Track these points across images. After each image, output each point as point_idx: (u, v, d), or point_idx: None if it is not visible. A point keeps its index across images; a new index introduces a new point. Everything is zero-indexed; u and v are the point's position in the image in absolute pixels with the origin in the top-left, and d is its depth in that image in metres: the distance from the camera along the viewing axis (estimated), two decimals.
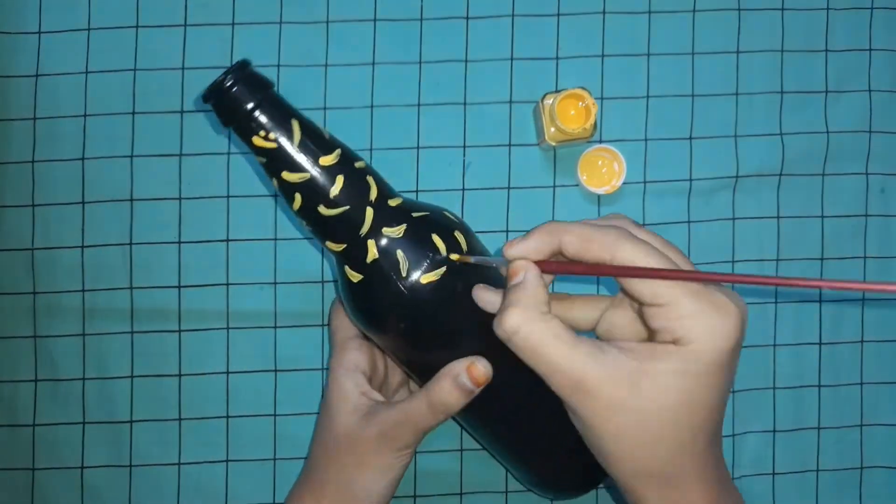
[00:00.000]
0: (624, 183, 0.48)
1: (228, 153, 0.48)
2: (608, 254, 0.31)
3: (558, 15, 0.49)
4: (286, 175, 0.35)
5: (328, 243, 0.37)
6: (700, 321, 0.30)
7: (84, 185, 0.48)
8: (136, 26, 0.48)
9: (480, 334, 0.36)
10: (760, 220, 0.49)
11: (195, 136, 0.48)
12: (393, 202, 0.38)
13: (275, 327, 0.48)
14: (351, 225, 0.36)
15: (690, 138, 0.49)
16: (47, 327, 0.48)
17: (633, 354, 0.31)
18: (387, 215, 0.37)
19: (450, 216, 0.39)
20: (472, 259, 0.37)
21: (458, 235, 0.38)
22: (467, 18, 0.48)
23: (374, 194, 0.37)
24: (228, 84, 0.34)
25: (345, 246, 0.37)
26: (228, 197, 0.48)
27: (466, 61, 0.48)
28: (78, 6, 0.48)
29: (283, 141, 0.35)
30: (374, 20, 0.48)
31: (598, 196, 0.49)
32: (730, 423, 0.49)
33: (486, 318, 0.34)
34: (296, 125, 0.35)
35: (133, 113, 0.48)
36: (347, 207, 0.36)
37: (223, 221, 0.48)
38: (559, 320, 0.32)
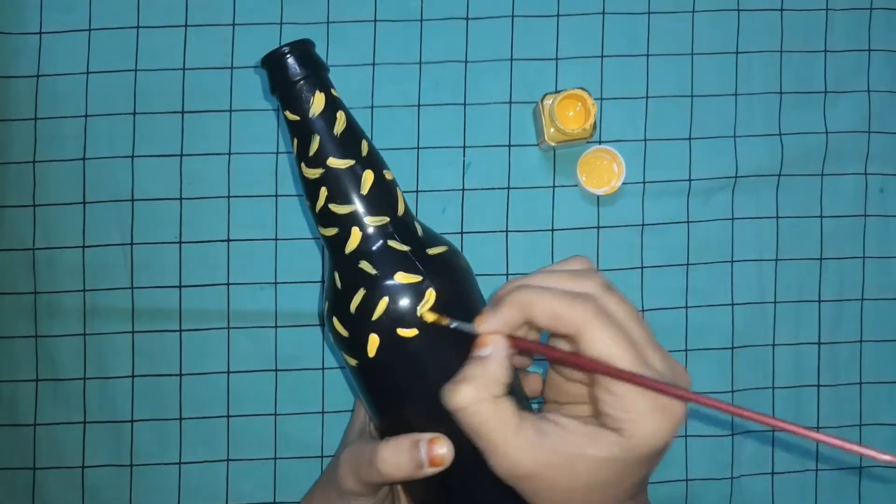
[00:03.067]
0: (623, 183, 0.48)
1: (229, 153, 0.48)
2: (575, 332, 0.31)
3: (558, 16, 0.49)
4: (332, 161, 0.36)
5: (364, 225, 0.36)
6: (647, 421, 0.31)
7: (85, 185, 0.48)
8: (137, 27, 0.48)
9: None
10: (759, 220, 0.49)
11: (196, 137, 0.48)
12: (414, 226, 0.37)
13: (275, 327, 0.48)
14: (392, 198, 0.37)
15: (690, 138, 0.49)
16: (48, 327, 0.48)
17: (574, 438, 0.31)
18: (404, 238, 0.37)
19: (459, 260, 0.38)
20: (446, 323, 0.35)
21: (433, 295, 0.36)
22: (467, 19, 0.48)
23: (401, 208, 0.37)
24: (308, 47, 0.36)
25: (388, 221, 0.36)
26: (229, 197, 0.48)
27: (466, 62, 0.48)
28: (79, 7, 0.48)
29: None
30: (375, 21, 0.48)
31: (598, 196, 0.49)
32: (729, 423, 0.49)
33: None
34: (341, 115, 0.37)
35: (134, 113, 0.48)
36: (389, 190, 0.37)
37: (224, 221, 0.48)
38: (509, 402, 0.32)
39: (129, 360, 0.48)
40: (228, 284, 0.48)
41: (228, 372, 0.48)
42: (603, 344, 0.31)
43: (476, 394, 0.31)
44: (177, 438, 0.48)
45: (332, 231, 0.36)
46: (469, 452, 0.34)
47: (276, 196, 0.48)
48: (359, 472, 0.37)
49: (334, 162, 0.35)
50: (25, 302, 0.48)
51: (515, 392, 0.37)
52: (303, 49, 0.36)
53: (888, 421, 0.50)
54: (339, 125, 0.36)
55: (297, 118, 0.36)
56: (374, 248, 0.36)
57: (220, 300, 0.48)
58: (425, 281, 0.35)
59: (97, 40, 0.48)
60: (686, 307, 0.49)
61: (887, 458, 0.27)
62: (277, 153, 0.48)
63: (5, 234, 0.48)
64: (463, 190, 0.48)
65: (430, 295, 0.35)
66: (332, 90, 0.36)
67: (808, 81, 0.49)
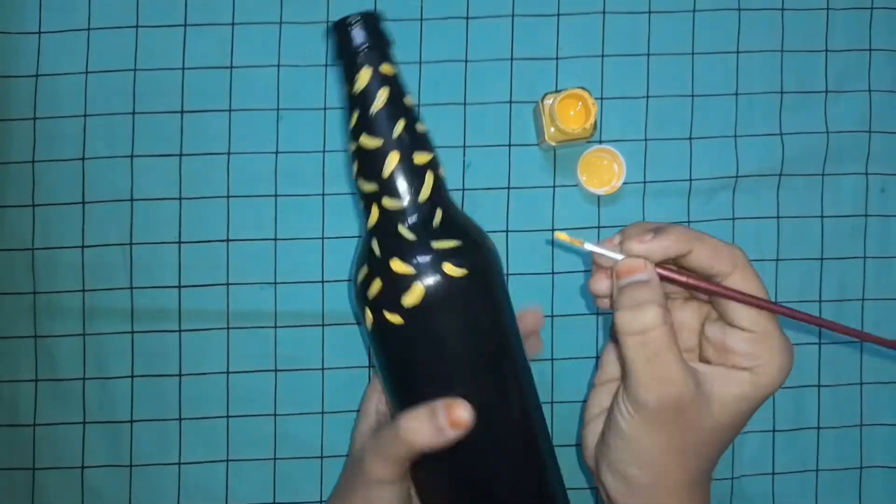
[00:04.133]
0: (624, 183, 0.48)
1: (228, 153, 0.48)
2: (731, 268, 0.33)
3: (558, 15, 0.49)
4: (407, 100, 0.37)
5: (441, 169, 0.37)
6: (777, 359, 0.34)
7: (84, 185, 0.48)
8: (136, 26, 0.48)
9: (468, 371, 0.36)
10: (760, 220, 0.49)
11: (195, 137, 0.48)
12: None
13: (275, 327, 0.48)
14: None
15: (690, 138, 0.49)
16: (48, 327, 0.48)
17: (710, 378, 0.34)
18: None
19: (472, 257, 0.38)
20: (586, 246, 0.35)
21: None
22: (467, 18, 0.48)
23: (424, 194, 0.37)
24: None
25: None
26: (228, 197, 0.48)
27: (466, 61, 0.48)
28: (78, 6, 0.48)
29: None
30: None
31: (598, 196, 0.49)
32: None
33: (472, 357, 0.35)
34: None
35: (133, 113, 0.48)
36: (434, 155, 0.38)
37: (223, 221, 0.48)
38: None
39: (128, 361, 0.48)
40: (228, 284, 0.48)
41: (228, 372, 0.48)
42: (753, 283, 0.33)
43: (661, 314, 0.32)
44: (176, 439, 0.48)
45: (361, 203, 0.38)
46: (483, 441, 0.35)
47: (276, 196, 0.48)
48: (386, 452, 0.37)
49: (365, 140, 0.36)
50: (25, 302, 0.48)
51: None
52: (367, 21, 0.36)
53: (888, 421, 0.50)
54: (378, 104, 0.36)
55: (347, 91, 0.37)
56: (385, 229, 0.37)
57: (220, 300, 0.48)
58: (417, 275, 0.35)
59: (96, 40, 0.48)
60: None
61: None
62: (277, 153, 0.48)
63: (4, 233, 0.48)
64: (463, 189, 0.48)
65: (417, 289, 0.35)
66: (384, 66, 0.36)
67: (809, 81, 0.49)
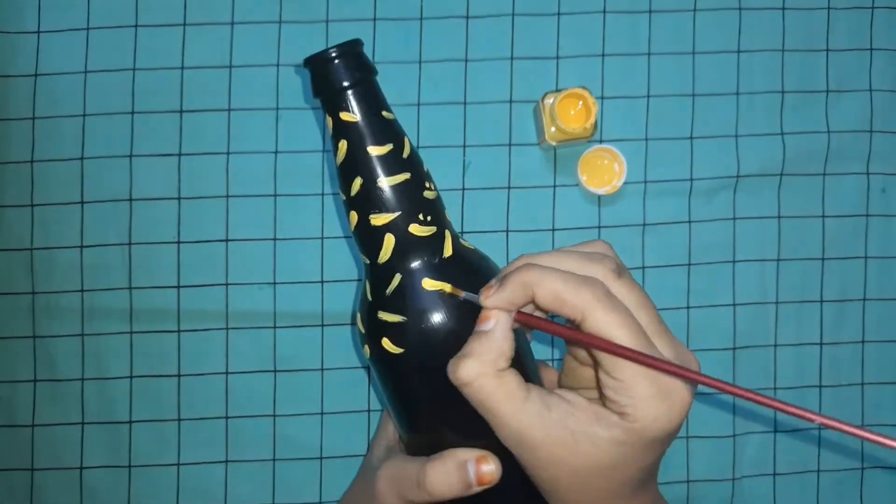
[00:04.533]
0: (624, 183, 0.48)
1: (227, 153, 0.48)
2: (579, 316, 0.31)
3: (559, 14, 0.48)
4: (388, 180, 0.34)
5: (414, 227, 0.34)
6: (650, 406, 0.30)
7: (83, 184, 0.47)
8: (135, 26, 0.48)
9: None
10: (761, 220, 0.49)
11: (194, 136, 0.48)
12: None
13: (274, 328, 0.48)
14: (441, 210, 0.36)
15: (691, 138, 0.49)
16: (46, 327, 0.47)
17: (580, 415, 0.31)
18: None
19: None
20: (462, 294, 0.34)
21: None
22: (467, 18, 0.48)
23: (383, 256, 0.36)
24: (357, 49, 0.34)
25: (433, 230, 0.35)
26: (227, 197, 0.48)
27: (466, 60, 0.48)
28: (77, 6, 0.47)
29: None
30: (374, 19, 0.48)
31: (599, 196, 0.49)
32: (730, 424, 0.49)
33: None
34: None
35: (132, 112, 0.48)
36: (437, 194, 0.36)
37: (222, 221, 0.48)
38: (514, 375, 0.32)
39: (127, 361, 0.48)
40: (227, 285, 0.48)
41: (227, 373, 0.48)
42: (607, 327, 0.30)
43: (480, 368, 0.31)
44: (175, 439, 0.48)
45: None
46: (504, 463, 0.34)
47: (275, 196, 0.48)
48: (405, 494, 0.36)
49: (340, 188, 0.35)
50: (23, 302, 0.47)
51: (531, 377, 0.37)
52: (320, 64, 0.34)
53: (890, 422, 0.50)
54: (338, 158, 0.34)
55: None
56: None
57: (219, 300, 0.48)
58: (363, 337, 0.36)
59: (95, 39, 0.48)
60: (688, 307, 0.49)
61: None
62: (276, 153, 0.48)
63: (3, 233, 0.47)
64: (463, 189, 0.48)
65: (367, 350, 0.36)
66: (343, 114, 0.34)
67: (810, 81, 0.49)
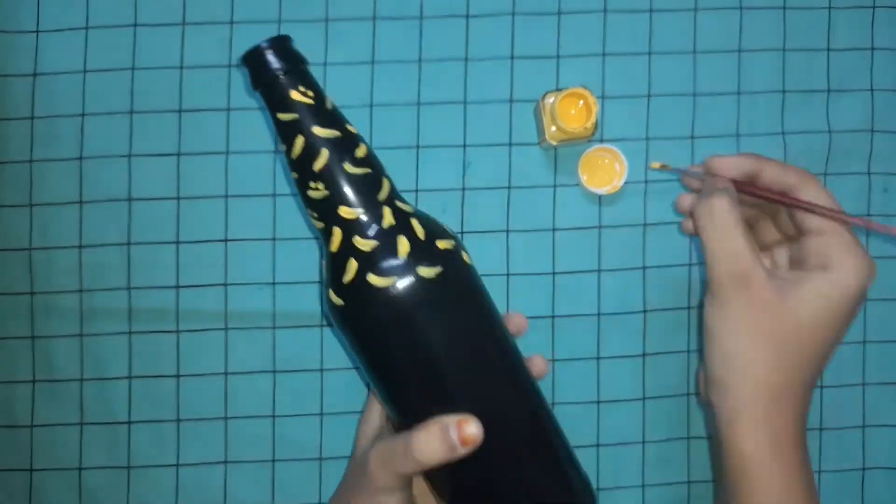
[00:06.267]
0: (625, 182, 0.48)
1: (227, 153, 0.48)
2: (797, 182, 0.39)
3: (559, 13, 0.48)
4: (317, 130, 0.36)
5: (342, 209, 0.36)
6: (850, 256, 0.37)
7: (82, 184, 0.47)
8: (134, 25, 0.47)
9: (467, 366, 0.36)
10: None
11: (193, 136, 0.48)
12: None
13: (273, 328, 0.48)
14: (371, 188, 0.37)
15: (692, 137, 0.49)
16: (45, 328, 0.47)
17: (786, 277, 0.38)
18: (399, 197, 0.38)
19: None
20: (671, 167, 0.42)
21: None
22: (467, 17, 0.48)
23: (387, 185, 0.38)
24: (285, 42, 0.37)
25: (360, 212, 0.36)
26: (227, 197, 0.48)
27: (466, 60, 0.48)
28: (76, 5, 0.47)
29: (320, 98, 0.37)
30: (374, 18, 0.48)
31: (599, 196, 0.48)
32: None
33: (471, 354, 0.36)
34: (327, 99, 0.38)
35: (131, 112, 0.47)
36: (370, 170, 0.37)
37: (221, 221, 0.48)
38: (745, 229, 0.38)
39: (126, 361, 0.47)
40: (226, 285, 0.47)
41: (226, 373, 0.48)
42: (821, 195, 0.38)
43: (733, 202, 0.38)
44: (174, 440, 0.48)
45: (356, 208, 0.37)
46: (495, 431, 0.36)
47: (274, 196, 0.48)
48: (394, 466, 0.37)
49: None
50: (22, 302, 0.47)
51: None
52: (255, 57, 0.36)
53: (891, 422, 0.50)
54: (295, 151, 0.37)
55: (307, 100, 0.37)
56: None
57: (218, 301, 0.47)
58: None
59: (94, 39, 0.47)
60: (688, 308, 0.49)
61: None
62: (275, 153, 0.48)
63: (1, 233, 0.47)
64: (463, 189, 0.48)
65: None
66: (281, 115, 0.36)
67: (811, 80, 0.49)
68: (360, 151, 0.37)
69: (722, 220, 0.38)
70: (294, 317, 0.48)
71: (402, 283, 0.35)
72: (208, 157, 0.48)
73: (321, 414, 0.48)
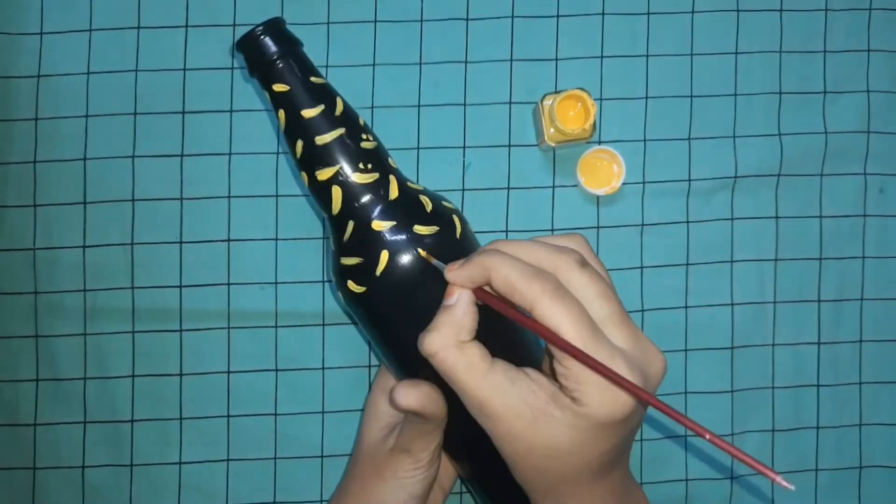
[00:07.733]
0: (623, 183, 0.48)
1: (230, 153, 0.48)
2: (528, 305, 0.32)
3: (558, 16, 0.49)
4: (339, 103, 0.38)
5: (357, 175, 0.38)
6: (596, 392, 0.31)
7: (86, 185, 0.48)
8: (138, 27, 0.48)
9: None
10: (759, 220, 0.49)
11: (196, 137, 0.48)
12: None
13: (276, 327, 0.48)
14: (383, 158, 0.39)
15: (689, 139, 0.49)
16: (48, 327, 0.48)
17: (540, 393, 0.32)
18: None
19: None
20: (433, 260, 0.37)
21: (456, 219, 0.40)
22: (467, 20, 0.49)
23: (335, 207, 0.39)
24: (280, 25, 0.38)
25: (376, 177, 0.38)
26: (230, 197, 0.48)
27: (466, 62, 0.48)
28: (79, 7, 0.48)
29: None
30: (375, 21, 0.48)
31: (598, 197, 0.49)
32: (729, 422, 0.49)
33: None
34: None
35: (135, 113, 0.48)
36: (377, 143, 0.39)
37: (224, 221, 0.48)
38: (477, 347, 0.33)
39: (129, 360, 0.48)
40: (229, 284, 0.48)
41: (228, 372, 0.48)
42: (553, 319, 0.31)
43: (442, 340, 0.33)
44: (177, 438, 0.48)
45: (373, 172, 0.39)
46: None
47: (277, 196, 0.48)
48: (424, 435, 0.39)
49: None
50: (26, 302, 0.48)
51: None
52: (250, 40, 0.38)
53: (888, 421, 0.50)
54: (281, 124, 0.38)
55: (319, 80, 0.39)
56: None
57: (221, 300, 0.48)
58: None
59: (98, 41, 0.48)
60: (686, 307, 0.49)
61: (782, 482, 0.27)
62: (278, 153, 0.48)
63: (6, 234, 0.48)
64: (463, 190, 0.48)
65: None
66: (276, 85, 0.37)
67: (808, 82, 0.50)
68: (367, 139, 0.39)
69: (441, 365, 0.33)
70: (296, 316, 0.48)
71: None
72: (211, 158, 0.48)
73: (323, 412, 0.48)
